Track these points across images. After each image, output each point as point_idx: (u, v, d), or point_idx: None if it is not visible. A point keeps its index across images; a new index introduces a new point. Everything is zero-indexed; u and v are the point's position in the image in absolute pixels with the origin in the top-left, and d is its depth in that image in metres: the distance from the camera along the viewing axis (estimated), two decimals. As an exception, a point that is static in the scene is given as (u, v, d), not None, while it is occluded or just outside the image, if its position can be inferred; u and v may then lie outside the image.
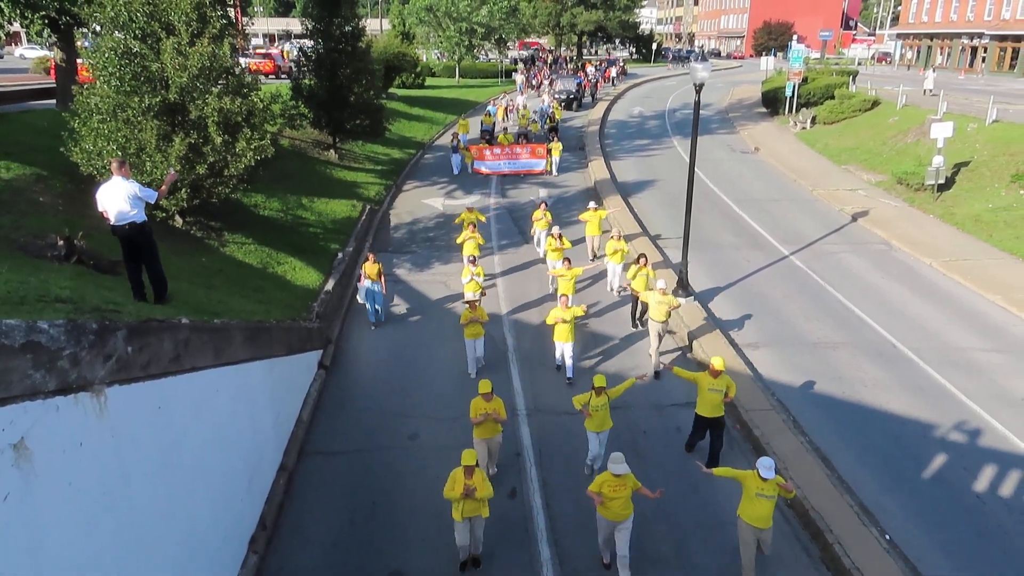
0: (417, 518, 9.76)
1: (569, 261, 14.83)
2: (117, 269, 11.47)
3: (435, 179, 27.65)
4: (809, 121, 37.00)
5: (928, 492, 10.30)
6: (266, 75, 37.98)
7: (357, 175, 26.34)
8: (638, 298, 14.71)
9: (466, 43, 54.93)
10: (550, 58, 74.82)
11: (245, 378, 9.28)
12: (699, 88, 14.86)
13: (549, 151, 28.29)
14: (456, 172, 28.12)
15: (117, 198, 8.97)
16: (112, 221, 9.07)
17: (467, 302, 13.34)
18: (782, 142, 34.72)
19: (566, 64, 68.10)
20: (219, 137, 14.95)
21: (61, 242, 11.35)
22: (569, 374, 12.99)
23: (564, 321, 12.60)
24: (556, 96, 43.44)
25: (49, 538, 5.10)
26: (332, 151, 27.41)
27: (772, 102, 42.85)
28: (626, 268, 16.58)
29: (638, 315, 15.06)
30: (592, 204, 18.74)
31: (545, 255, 17.36)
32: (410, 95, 43.40)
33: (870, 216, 22.72)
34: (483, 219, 19.19)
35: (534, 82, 52.08)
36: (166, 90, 14.67)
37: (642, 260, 14.65)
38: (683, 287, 16.24)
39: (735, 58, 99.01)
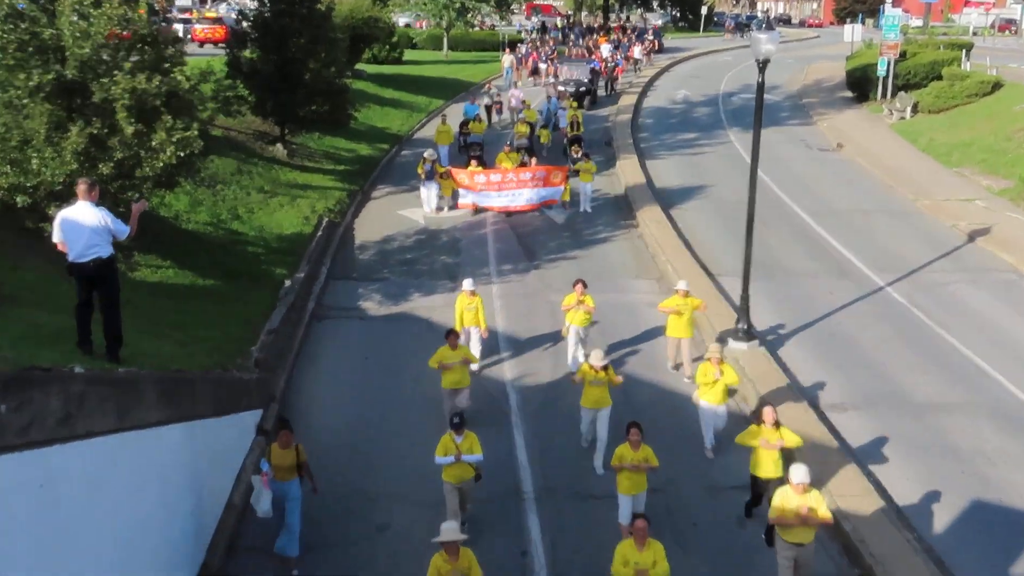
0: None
1: (639, 431, 11.04)
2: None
3: (415, 183, 27.75)
4: (909, 109, 37.25)
5: (1078, 608, 10.09)
6: (216, 44, 38.22)
7: (312, 177, 26.30)
8: (760, 485, 11.36)
9: (457, 6, 55.45)
10: (560, 25, 73.04)
11: (158, 446, 9.20)
12: (763, 65, 14.93)
13: (574, 173, 24.90)
14: (429, 209, 24.48)
15: (84, 228, 9.40)
16: (71, 256, 9.51)
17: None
18: (873, 136, 34.91)
19: (573, 38, 64.87)
20: (130, 127, 15.05)
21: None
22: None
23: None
24: (563, 87, 39.42)
25: None
26: (280, 145, 27.40)
27: (860, 84, 43.21)
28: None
29: (753, 508, 11.72)
30: (681, 286, 15.38)
31: (582, 384, 13.07)
32: (383, 73, 43.80)
33: (992, 235, 22.71)
34: (482, 318, 15.53)
35: (529, 63, 48.28)
36: (62, 64, 14.81)
37: (767, 416, 11.16)
38: (745, 328, 16.18)
39: (811, 26, 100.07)
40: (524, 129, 29.65)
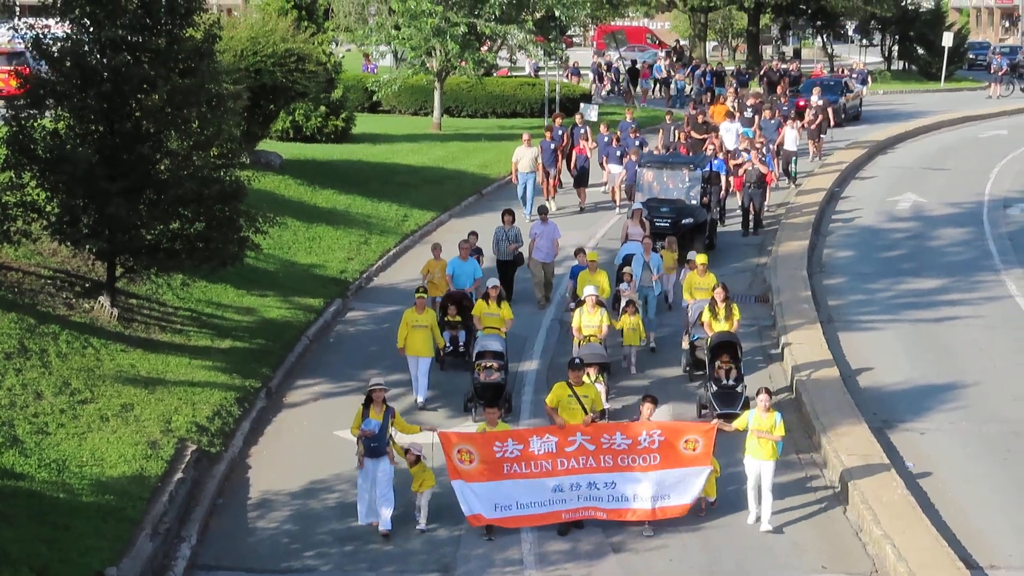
0: None
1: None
2: None
3: (368, 368, 16.49)
4: None
5: None
6: (11, 99, 23.50)
7: (168, 363, 16.58)
8: None
9: (461, 32, 35.53)
10: (660, 66, 48.16)
11: None
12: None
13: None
14: (370, 521, 12.37)
15: None
16: None
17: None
18: None
19: (675, 93, 44.30)
20: None
21: None
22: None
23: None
24: (647, 217, 21.19)
25: None
26: (105, 300, 17.42)
27: None
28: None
29: None
30: None
31: None
32: (315, 159, 29.71)
33: None
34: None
35: (567, 160, 27.58)
36: None
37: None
38: None
39: None
40: (598, 320, 15.71)
